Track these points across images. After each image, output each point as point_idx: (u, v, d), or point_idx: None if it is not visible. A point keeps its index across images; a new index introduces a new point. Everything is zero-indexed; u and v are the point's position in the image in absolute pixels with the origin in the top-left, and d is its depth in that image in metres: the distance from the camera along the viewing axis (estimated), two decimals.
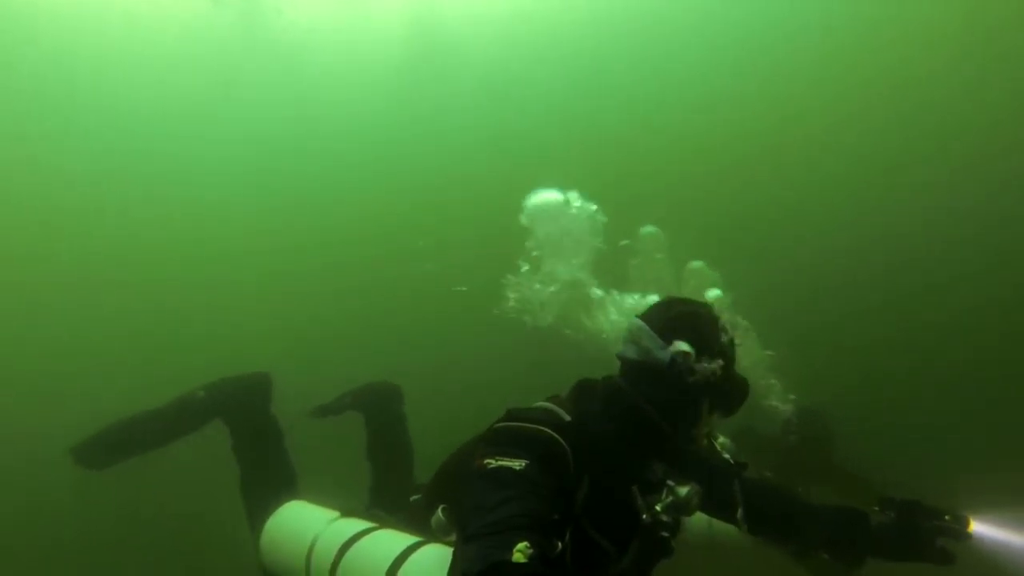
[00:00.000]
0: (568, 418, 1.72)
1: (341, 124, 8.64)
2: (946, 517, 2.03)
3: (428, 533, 1.98)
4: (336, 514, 2.37)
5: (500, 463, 1.52)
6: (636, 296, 4.55)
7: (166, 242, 8.19)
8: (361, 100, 8.65)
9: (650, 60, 8.50)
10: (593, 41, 8.49)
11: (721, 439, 1.88)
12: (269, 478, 2.72)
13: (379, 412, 3.10)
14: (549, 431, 1.61)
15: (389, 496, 2.79)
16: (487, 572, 1.28)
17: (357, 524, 2.20)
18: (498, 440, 1.62)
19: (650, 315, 1.88)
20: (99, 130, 8.17)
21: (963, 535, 2.04)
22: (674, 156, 8.23)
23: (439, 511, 1.85)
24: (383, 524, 2.17)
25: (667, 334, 1.79)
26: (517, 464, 1.51)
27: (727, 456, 1.89)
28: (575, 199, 4.43)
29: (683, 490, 1.74)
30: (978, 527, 2.07)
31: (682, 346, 1.76)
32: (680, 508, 1.74)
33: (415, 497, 2.48)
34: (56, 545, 5.85)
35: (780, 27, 8.04)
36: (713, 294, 4.75)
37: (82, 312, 7.55)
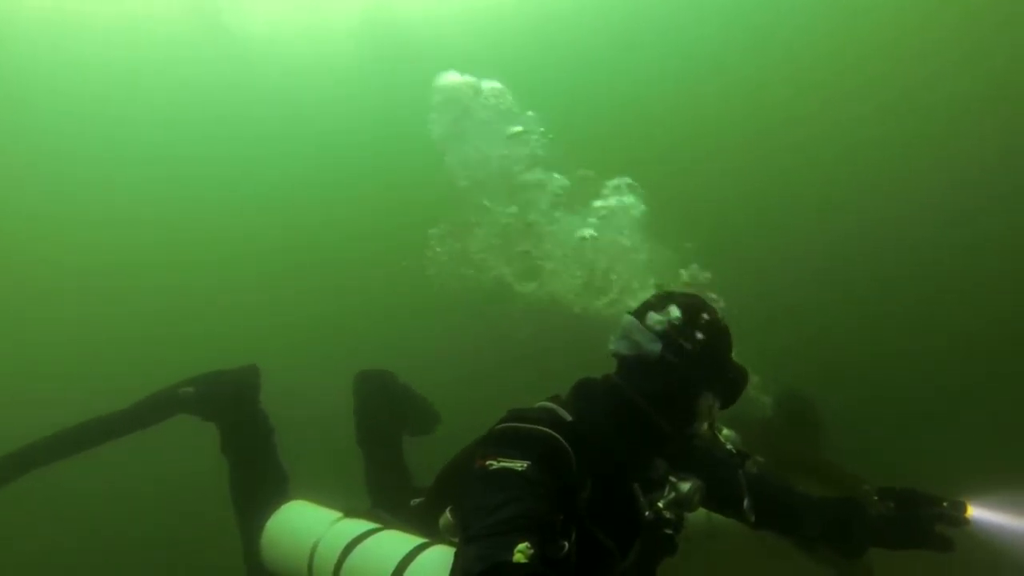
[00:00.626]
0: (569, 418, 1.72)
1: (312, 124, 8.59)
2: (944, 504, 2.04)
3: (431, 534, 1.97)
4: (339, 514, 2.35)
5: (502, 464, 1.52)
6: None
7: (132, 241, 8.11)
8: (334, 100, 8.59)
9: (626, 53, 8.42)
10: (561, 35, 8.39)
11: (725, 431, 1.89)
12: (259, 478, 2.68)
13: (369, 400, 3.04)
14: (550, 431, 1.61)
15: (387, 491, 2.77)
16: (488, 572, 1.28)
17: (361, 525, 2.18)
18: (499, 441, 1.61)
19: (641, 310, 1.90)
20: (81, 130, 8.10)
21: (961, 522, 2.05)
22: (651, 148, 8.16)
23: (447, 512, 1.83)
24: (387, 525, 2.15)
25: (656, 327, 1.81)
26: (519, 465, 1.51)
27: (730, 448, 1.89)
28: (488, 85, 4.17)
29: (685, 486, 1.75)
30: (976, 513, 2.09)
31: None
32: (683, 504, 1.74)
33: (416, 501, 2.48)
34: (54, 546, 5.84)
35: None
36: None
37: (64, 313, 7.52)
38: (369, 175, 8.43)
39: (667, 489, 1.75)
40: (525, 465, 1.51)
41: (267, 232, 8.38)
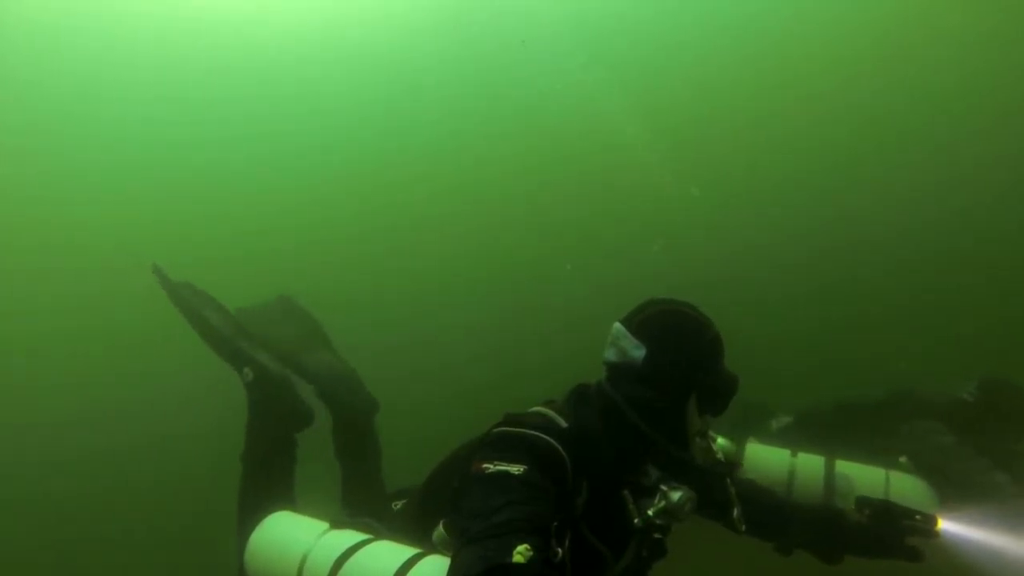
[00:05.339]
0: (564, 423, 1.75)
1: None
2: (916, 517, 2.14)
3: (419, 539, 1.95)
4: (325, 525, 2.29)
5: (499, 468, 1.55)
6: None
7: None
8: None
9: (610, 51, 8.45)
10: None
11: (719, 440, 1.92)
12: (264, 503, 2.58)
13: (348, 403, 3.02)
14: (548, 437, 1.64)
15: (365, 499, 2.75)
16: (487, 573, 1.30)
17: (351, 536, 2.13)
18: (497, 445, 1.64)
19: (628, 317, 1.92)
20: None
21: (931, 534, 2.15)
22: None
23: (440, 526, 1.81)
24: (378, 535, 2.11)
25: (641, 334, 1.84)
26: (516, 469, 1.54)
27: (720, 457, 1.91)
28: None
29: (676, 495, 1.77)
30: (946, 526, 2.19)
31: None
32: (673, 513, 1.77)
33: (399, 504, 2.46)
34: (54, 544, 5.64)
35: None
36: None
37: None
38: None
39: (658, 497, 1.77)
40: (522, 469, 1.54)
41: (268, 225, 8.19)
